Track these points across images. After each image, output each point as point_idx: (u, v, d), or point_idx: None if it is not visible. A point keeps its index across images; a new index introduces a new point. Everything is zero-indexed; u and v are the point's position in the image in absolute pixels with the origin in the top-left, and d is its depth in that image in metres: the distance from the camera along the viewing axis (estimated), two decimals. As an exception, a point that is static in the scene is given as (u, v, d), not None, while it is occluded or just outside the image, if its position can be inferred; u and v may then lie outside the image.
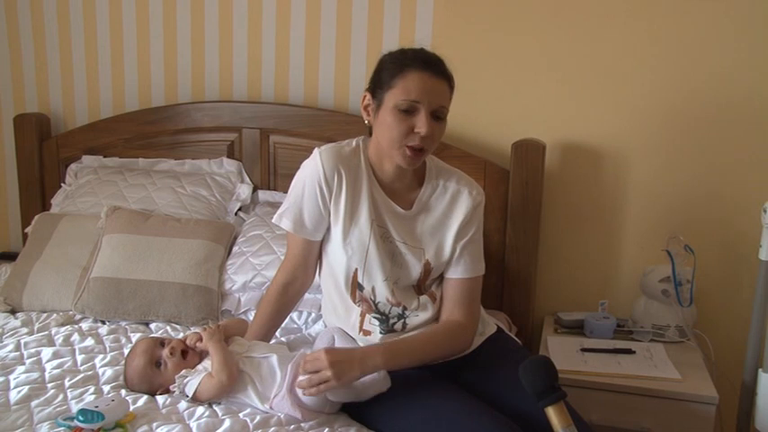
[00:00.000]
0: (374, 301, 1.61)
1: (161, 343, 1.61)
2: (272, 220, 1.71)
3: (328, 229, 1.64)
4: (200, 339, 1.58)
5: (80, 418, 1.35)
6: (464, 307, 1.62)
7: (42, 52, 2.63)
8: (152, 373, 1.56)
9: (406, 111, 1.49)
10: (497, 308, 2.17)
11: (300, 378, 1.44)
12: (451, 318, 1.61)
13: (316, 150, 1.62)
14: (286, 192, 1.70)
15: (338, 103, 2.39)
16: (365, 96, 1.59)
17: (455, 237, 1.62)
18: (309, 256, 1.69)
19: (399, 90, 1.49)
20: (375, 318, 1.61)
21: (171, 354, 1.56)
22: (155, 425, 1.39)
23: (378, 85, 1.54)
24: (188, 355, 1.58)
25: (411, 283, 1.63)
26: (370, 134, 1.64)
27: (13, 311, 2.09)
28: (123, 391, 1.56)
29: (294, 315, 2.00)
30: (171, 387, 1.54)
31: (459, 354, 1.62)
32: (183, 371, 1.54)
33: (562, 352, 2.00)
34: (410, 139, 1.51)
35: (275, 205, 2.30)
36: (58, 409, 1.46)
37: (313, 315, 2.00)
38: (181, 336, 1.72)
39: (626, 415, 1.85)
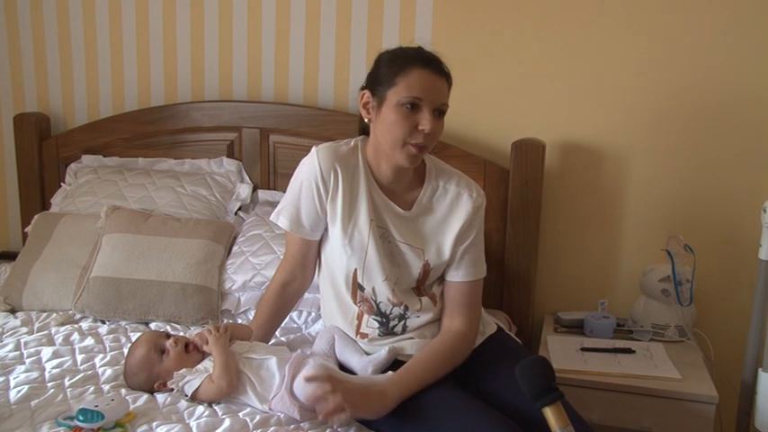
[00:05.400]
0: (376, 302, 1.60)
1: (166, 336, 1.61)
2: (270, 218, 1.71)
3: (326, 230, 1.64)
4: (206, 341, 1.57)
5: (80, 417, 1.35)
6: (465, 311, 1.61)
7: (42, 52, 2.63)
8: (153, 360, 1.56)
9: (409, 108, 1.49)
10: (497, 307, 2.17)
11: (317, 405, 1.40)
12: (452, 326, 1.60)
13: (313, 149, 1.61)
14: (285, 191, 1.69)
15: (338, 102, 2.39)
16: (363, 94, 1.57)
17: (455, 240, 1.61)
18: (308, 256, 1.69)
19: (402, 87, 1.49)
20: (375, 320, 1.61)
21: (175, 343, 1.57)
22: (154, 424, 1.39)
23: (377, 83, 1.54)
24: (191, 350, 1.58)
25: (411, 285, 1.62)
26: (363, 133, 1.65)
27: (12, 311, 2.09)
28: (123, 391, 1.56)
29: (294, 315, 2.00)
30: (169, 383, 1.53)
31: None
32: (184, 369, 1.54)
33: (562, 351, 2.00)
34: (414, 137, 1.51)
35: (275, 205, 2.27)
36: (58, 408, 1.46)
37: (313, 315, 2.00)
38: (181, 335, 1.72)
39: (626, 415, 1.85)
